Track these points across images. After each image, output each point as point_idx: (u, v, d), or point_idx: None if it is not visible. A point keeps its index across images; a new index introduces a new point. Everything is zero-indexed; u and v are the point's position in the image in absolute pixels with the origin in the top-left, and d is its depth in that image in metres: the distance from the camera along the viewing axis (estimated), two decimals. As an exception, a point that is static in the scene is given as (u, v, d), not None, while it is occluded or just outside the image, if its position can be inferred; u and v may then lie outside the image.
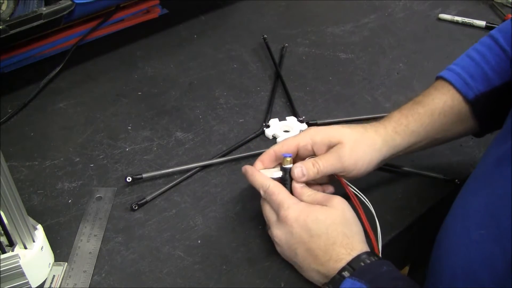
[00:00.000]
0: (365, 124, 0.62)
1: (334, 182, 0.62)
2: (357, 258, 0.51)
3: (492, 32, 0.63)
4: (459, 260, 0.49)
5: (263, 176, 0.58)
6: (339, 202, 0.55)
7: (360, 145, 0.58)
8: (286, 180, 0.58)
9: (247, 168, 0.60)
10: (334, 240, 0.52)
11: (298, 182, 0.57)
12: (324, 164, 0.57)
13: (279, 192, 0.56)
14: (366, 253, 0.51)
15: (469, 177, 0.54)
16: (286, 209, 0.54)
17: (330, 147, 0.59)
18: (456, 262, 0.50)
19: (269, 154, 0.60)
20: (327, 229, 0.52)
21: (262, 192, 0.57)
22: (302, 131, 0.61)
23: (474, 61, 0.62)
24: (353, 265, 0.50)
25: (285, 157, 0.58)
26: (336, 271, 0.51)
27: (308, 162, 0.58)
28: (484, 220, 0.48)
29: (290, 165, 0.58)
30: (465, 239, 0.49)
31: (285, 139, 0.61)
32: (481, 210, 0.49)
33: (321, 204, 0.55)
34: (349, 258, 0.51)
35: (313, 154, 0.60)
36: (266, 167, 0.60)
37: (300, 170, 0.57)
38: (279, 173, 0.58)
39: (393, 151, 0.61)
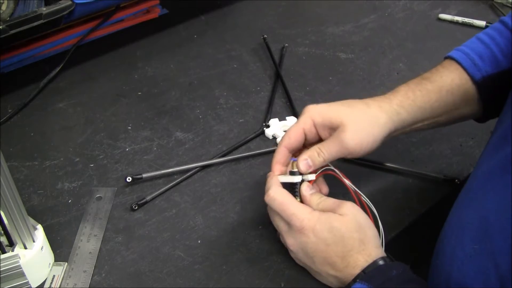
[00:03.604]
0: (368, 100, 0.59)
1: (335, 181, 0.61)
2: (372, 264, 0.51)
3: (503, 18, 0.62)
4: (454, 272, 0.49)
5: (274, 187, 0.55)
6: (350, 208, 0.54)
7: (363, 125, 0.56)
8: (297, 184, 0.56)
9: (268, 179, 0.58)
10: (351, 247, 0.52)
11: (305, 190, 0.56)
12: (328, 152, 0.56)
13: (289, 202, 0.54)
14: (382, 258, 0.51)
15: (463, 188, 0.54)
16: (302, 220, 0.53)
17: (332, 129, 0.57)
18: (450, 274, 0.50)
19: (282, 153, 0.58)
20: (343, 237, 0.52)
21: (268, 201, 0.55)
22: (301, 112, 0.59)
23: (484, 43, 0.61)
24: (367, 271, 0.50)
25: (293, 161, 0.57)
26: (352, 278, 0.50)
27: (313, 151, 0.56)
28: (477, 234, 0.47)
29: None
30: (459, 252, 0.49)
31: (289, 130, 0.58)
32: (475, 224, 0.48)
33: (333, 211, 0.54)
34: (366, 265, 0.51)
35: (319, 138, 0.58)
36: (284, 168, 0.58)
37: (305, 162, 0.56)
38: (299, 177, 0.56)
39: (397, 126, 0.58)
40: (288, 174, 0.57)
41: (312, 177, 0.57)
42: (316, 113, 0.57)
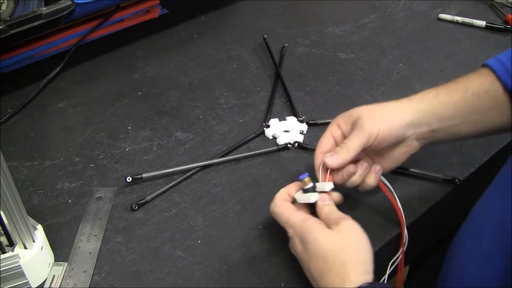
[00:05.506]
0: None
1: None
2: None
3: None
4: (470, 273, 0.48)
5: (275, 200, 0.57)
6: (347, 226, 0.52)
7: (378, 112, 0.59)
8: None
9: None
10: (331, 266, 0.49)
11: (321, 200, 0.56)
12: (351, 141, 0.57)
13: (283, 205, 0.56)
14: (368, 283, 0.48)
15: (487, 187, 0.52)
16: (292, 226, 0.54)
17: (354, 125, 0.59)
18: (465, 275, 0.49)
19: (319, 157, 0.60)
20: (325, 253, 0.50)
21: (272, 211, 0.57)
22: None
23: None
24: None
25: (301, 179, 0.57)
26: None
27: (337, 147, 0.58)
28: (496, 234, 0.47)
29: (311, 184, 0.57)
30: (477, 252, 0.48)
31: (321, 138, 0.61)
32: (493, 223, 0.47)
33: (330, 225, 0.53)
34: None
35: None
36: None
37: (331, 156, 0.57)
38: (315, 196, 0.56)
39: (420, 116, 0.59)
40: (302, 192, 0.57)
41: (328, 187, 0.57)
42: (339, 117, 0.61)
